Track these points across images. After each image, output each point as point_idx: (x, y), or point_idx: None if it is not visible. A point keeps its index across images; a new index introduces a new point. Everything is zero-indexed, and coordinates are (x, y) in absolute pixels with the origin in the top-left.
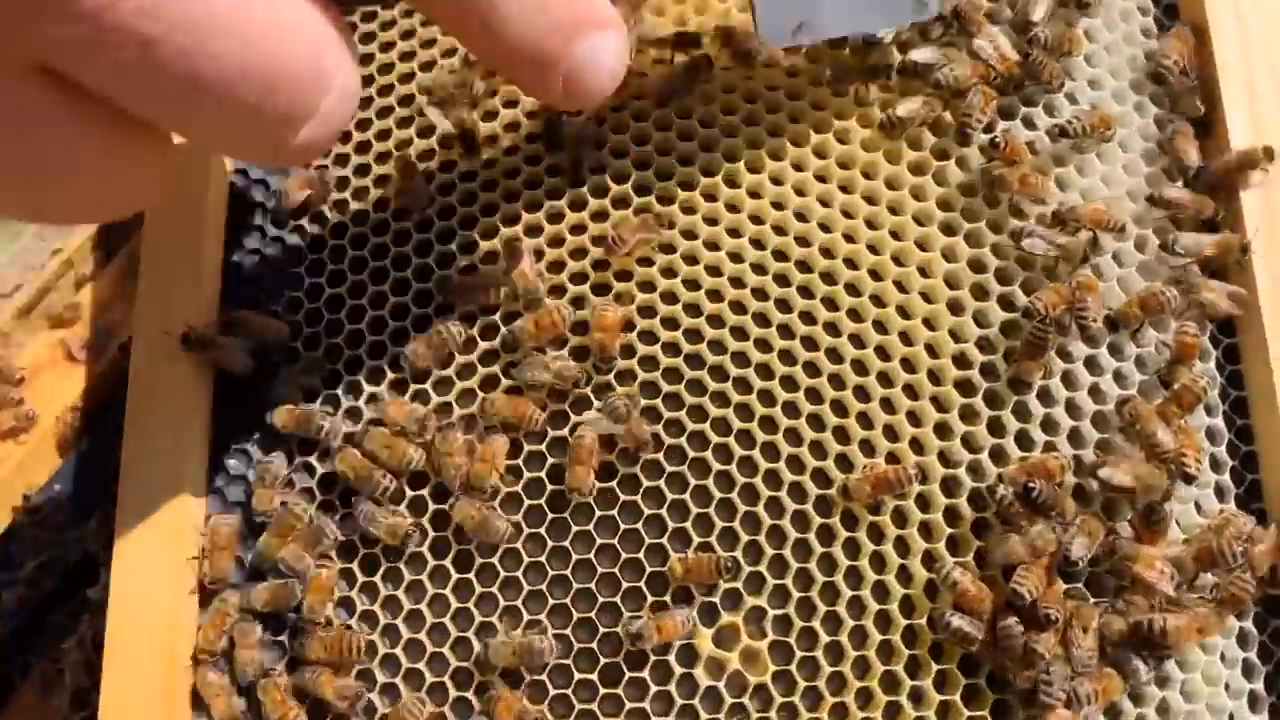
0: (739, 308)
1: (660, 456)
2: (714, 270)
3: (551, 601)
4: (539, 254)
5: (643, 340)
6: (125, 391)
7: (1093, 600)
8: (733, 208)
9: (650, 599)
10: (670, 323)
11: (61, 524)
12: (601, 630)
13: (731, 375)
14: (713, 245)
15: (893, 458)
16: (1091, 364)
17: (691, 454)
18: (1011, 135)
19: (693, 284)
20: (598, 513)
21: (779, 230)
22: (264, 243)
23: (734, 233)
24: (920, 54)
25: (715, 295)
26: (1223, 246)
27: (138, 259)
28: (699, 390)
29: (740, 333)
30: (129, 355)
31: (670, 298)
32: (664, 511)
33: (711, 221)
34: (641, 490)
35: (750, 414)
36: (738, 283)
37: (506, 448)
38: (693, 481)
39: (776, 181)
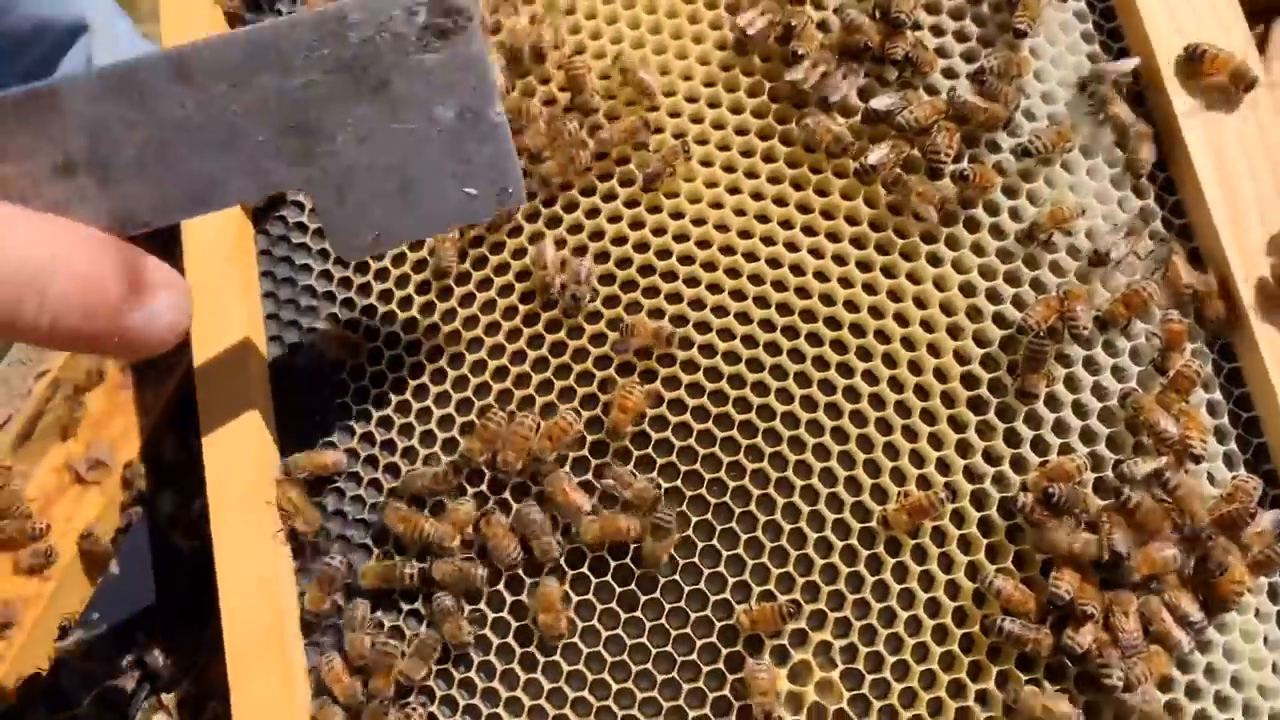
0: (755, 364)
1: (710, 516)
2: (726, 335)
3: (636, 668)
4: (560, 242)
5: (671, 402)
6: (143, 505)
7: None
8: (733, 272)
9: (724, 651)
10: (695, 388)
11: (108, 653)
12: (685, 687)
13: (760, 429)
14: (720, 310)
15: (924, 482)
16: (1090, 364)
17: (738, 510)
18: (979, 165)
19: (707, 350)
20: (661, 579)
21: (778, 286)
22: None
23: (738, 295)
24: (879, 102)
25: (731, 358)
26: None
27: (129, 368)
28: (733, 449)
29: (761, 388)
30: (133, 470)
31: (690, 366)
32: (721, 568)
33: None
34: (699, 550)
35: (784, 463)
36: (750, 341)
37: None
38: (743, 535)
39: (768, 241)
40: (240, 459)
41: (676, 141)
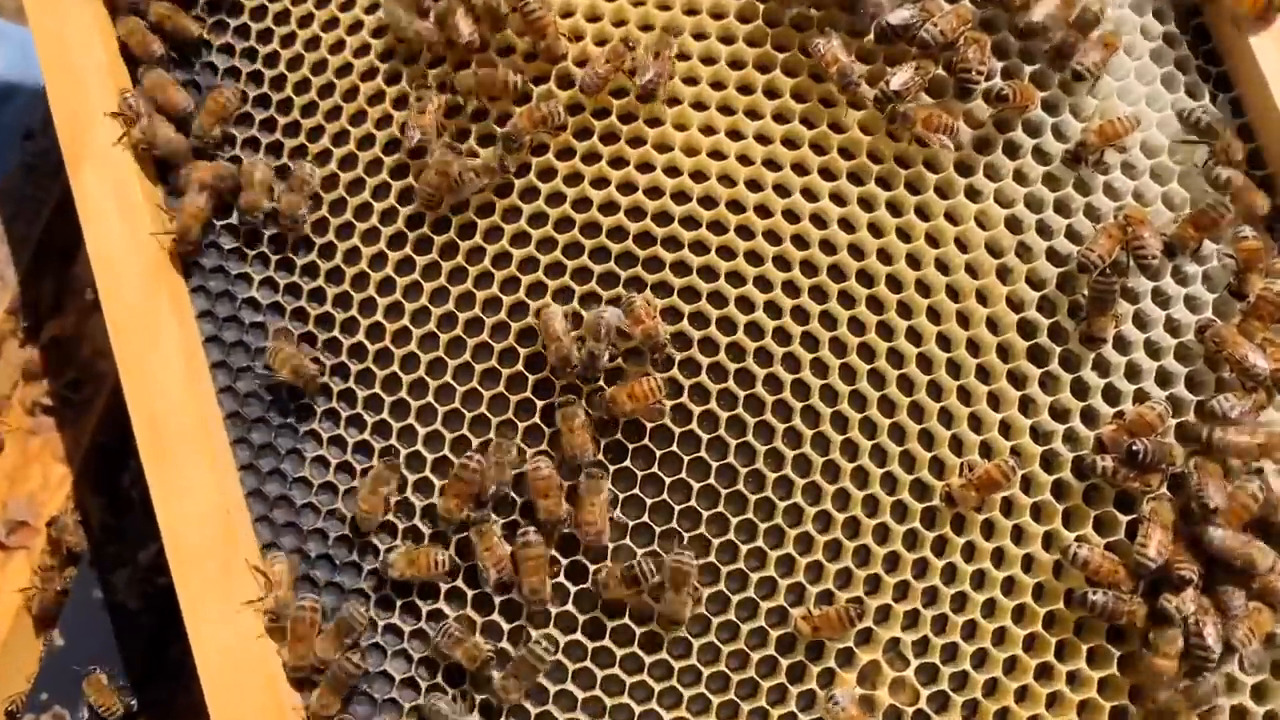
0: (782, 336)
1: (752, 515)
2: (745, 305)
3: (692, 692)
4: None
5: (692, 389)
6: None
7: None
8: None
9: (784, 663)
10: (718, 371)
11: None
12: (745, 708)
13: (797, 409)
14: (735, 277)
15: (985, 449)
16: (1159, 296)
17: (782, 504)
18: (1016, 82)
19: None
20: (705, 592)
21: (799, 242)
22: None
23: (754, 258)
24: (895, 16)
25: (754, 331)
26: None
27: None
28: (767, 434)
29: (791, 361)
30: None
31: (709, 345)
32: (772, 571)
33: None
34: (743, 554)
35: (827, 444)
36: (773, 308)
37: None
38: (790, 531)
39: (782, 191)
40: (196, 512)
41: (660, 34)
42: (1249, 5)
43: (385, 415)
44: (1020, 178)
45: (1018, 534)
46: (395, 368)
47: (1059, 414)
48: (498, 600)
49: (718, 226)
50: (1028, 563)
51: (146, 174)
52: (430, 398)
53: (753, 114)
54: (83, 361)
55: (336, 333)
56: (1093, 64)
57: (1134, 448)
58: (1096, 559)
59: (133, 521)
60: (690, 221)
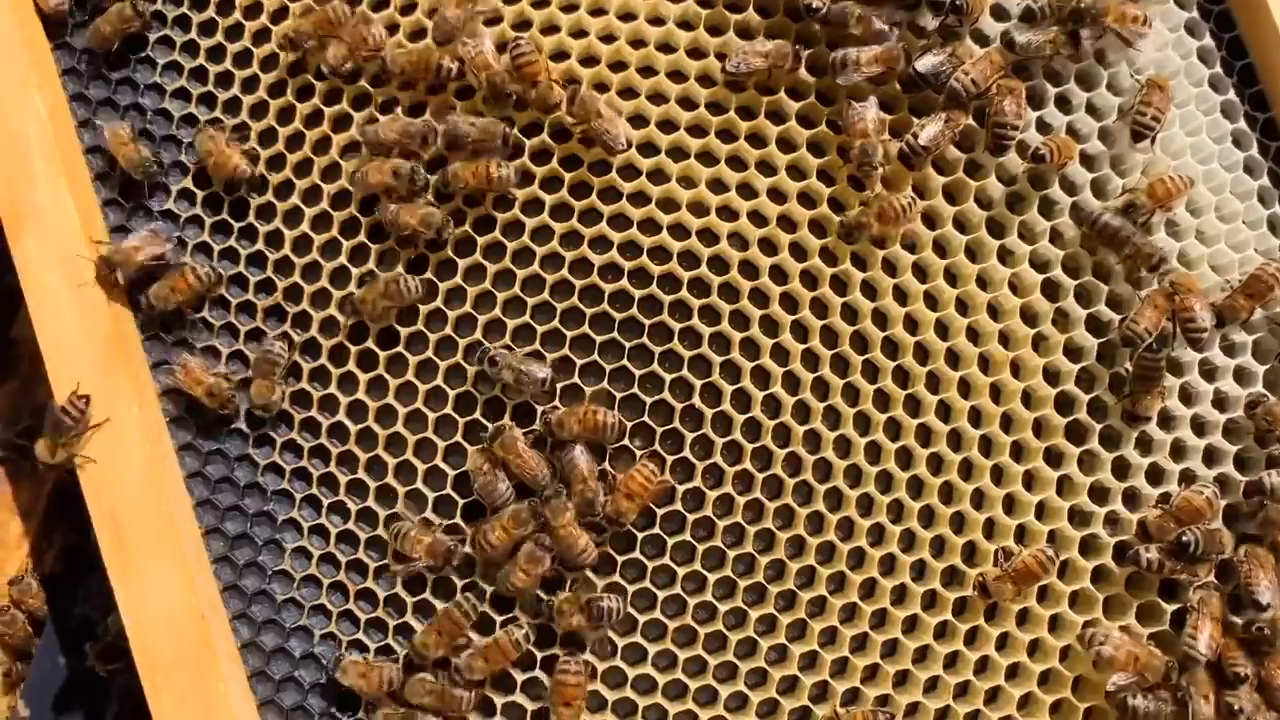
0: (802, 412)
1: (772, 609)
2: (760, 378)
3: None
4: None
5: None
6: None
7: None
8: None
9: None
10: (731, 450)
11: None
12: None
13: (820, 493)
14: (748, 346)
15: (1021, 534)
16: (1205, 368)
17: (805, 594)
18: (1056, 138)
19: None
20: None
21: (819, 309)
22: None
23: (770, 327)
24: (923, 63)
25: (771, 406)
26: None
27: None
28: (796, 546)
29: (812, 439)
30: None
31: (722, 422)
32: (797, 671)
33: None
34: (764, 650)
35: (851, 528)
36: (792, 381)
37: None
38: (815, 626)
39: (800, 254)
40: (166, 617)
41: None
42: None
43: (371, 502)
44: (1057, 238)
45: (1054, 624)
46: (380, 449)
47: (1099, 495)
48: None
49: (697, 288)
50: (1065, 654)
51: (93, 248)
52: (420, 483)
53: (767, 168)
54: (37, 406)
55: (314, 412)
56: (1154, 115)
57: (1184, 539)
58: (1121, 656)
59: (99, 580)
60: (698, 287)
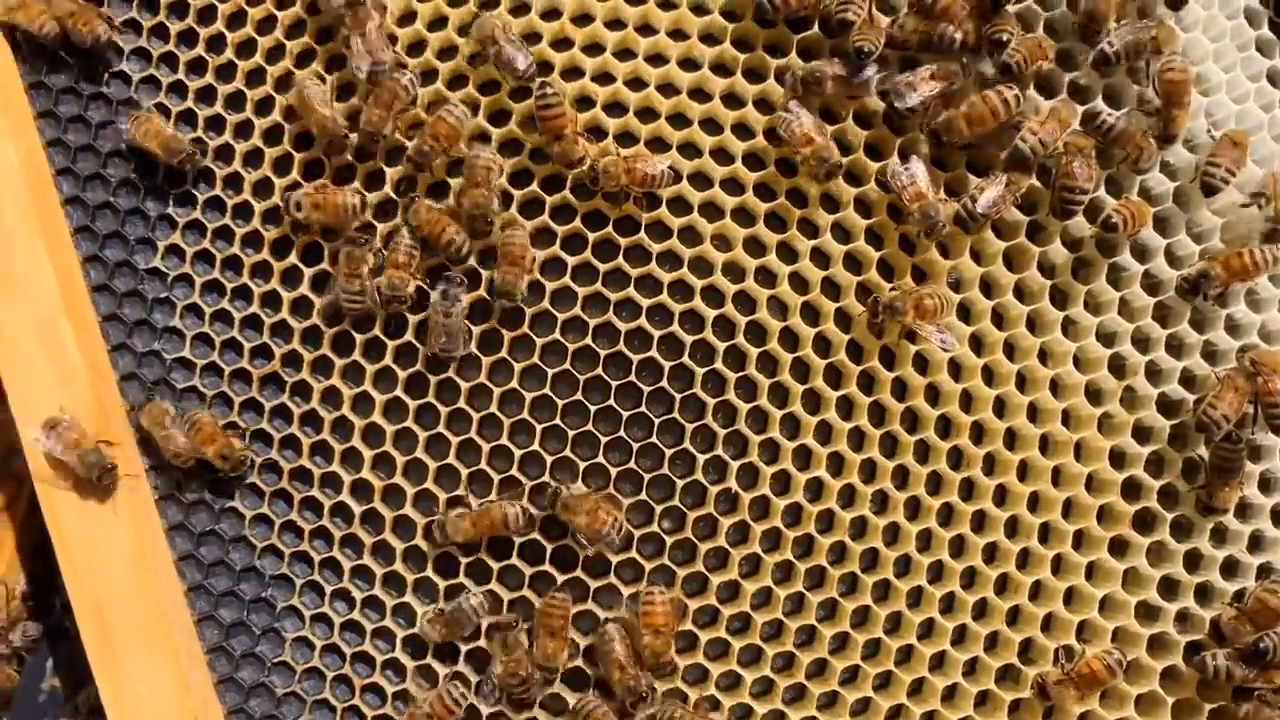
0: (847, 498)
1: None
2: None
3: None
4: None
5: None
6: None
7: None
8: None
9: None
10: (772, 538)
11: None
12: None
13: (869, 585)
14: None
15: (1082, 629)
16: None
17: (850, 694)
18: (1131, 202)
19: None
20: None
21: (866, 385)
22: None
23: (811, 403)
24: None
25: (814, 490)
26: None
27: None
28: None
29: (859, 527)
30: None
31: (761, 507)
32: None
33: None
34: None
35: (899, 620)
36: (836, 463)
37: None
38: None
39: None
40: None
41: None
42: None
43: (376, 589)
44: (1125, 308)
45: None
46: (387, 533)
47: (1169, 591)
48: None
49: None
50: None
51: (73, 311)
52: (430, 569)
53: (808, 227)
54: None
55: (314, 491)
56: (1224, 175)
57: (1261, 645)
58: None
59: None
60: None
